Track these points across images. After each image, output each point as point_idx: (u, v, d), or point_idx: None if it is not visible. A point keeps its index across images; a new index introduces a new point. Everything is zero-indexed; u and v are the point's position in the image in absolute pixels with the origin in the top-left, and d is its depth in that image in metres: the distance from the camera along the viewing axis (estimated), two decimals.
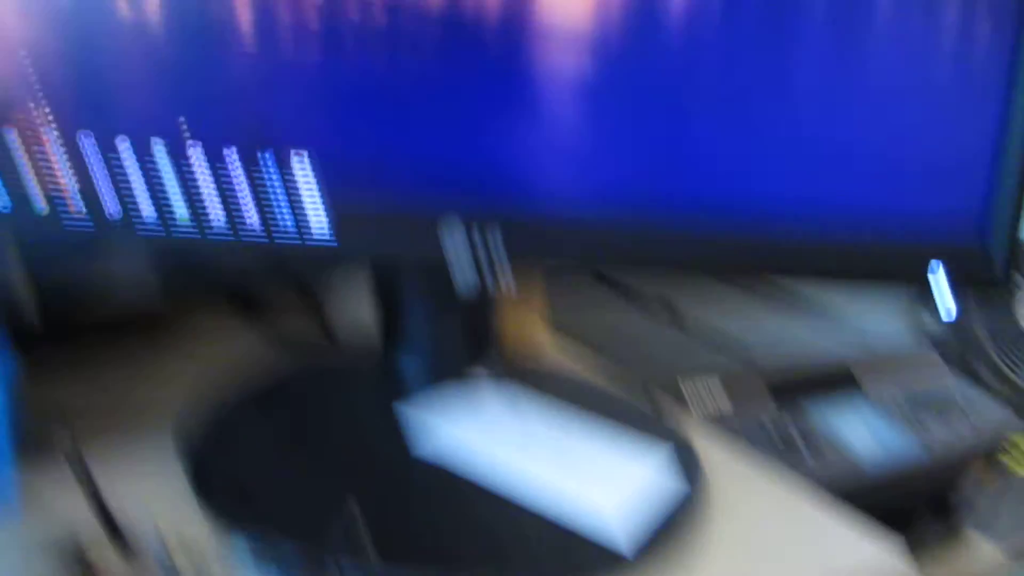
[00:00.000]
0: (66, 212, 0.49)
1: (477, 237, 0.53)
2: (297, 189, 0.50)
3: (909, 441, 0.86)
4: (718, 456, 0.67)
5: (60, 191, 0.48)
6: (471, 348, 0.68)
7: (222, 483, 0.53)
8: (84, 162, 0.48)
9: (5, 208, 0.48)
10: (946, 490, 0.94)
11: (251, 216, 0.51)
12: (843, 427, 0.85)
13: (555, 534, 0.51)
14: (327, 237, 0.52)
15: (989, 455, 0.95)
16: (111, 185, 0.49)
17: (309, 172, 0.50)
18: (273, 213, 0.51)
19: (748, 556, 0.56)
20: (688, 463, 0.62)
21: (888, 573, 0.58)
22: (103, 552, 0.43)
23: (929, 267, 0.55)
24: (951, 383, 1.00)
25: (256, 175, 0.50)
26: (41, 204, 0.48)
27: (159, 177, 0.49)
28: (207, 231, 0.50)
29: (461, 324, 0.67)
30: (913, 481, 0.86)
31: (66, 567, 0.42)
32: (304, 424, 0.62)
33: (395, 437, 0.61)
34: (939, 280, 0.55)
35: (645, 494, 0.56)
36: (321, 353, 0.77)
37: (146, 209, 0.49)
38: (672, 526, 0.55)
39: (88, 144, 0.48)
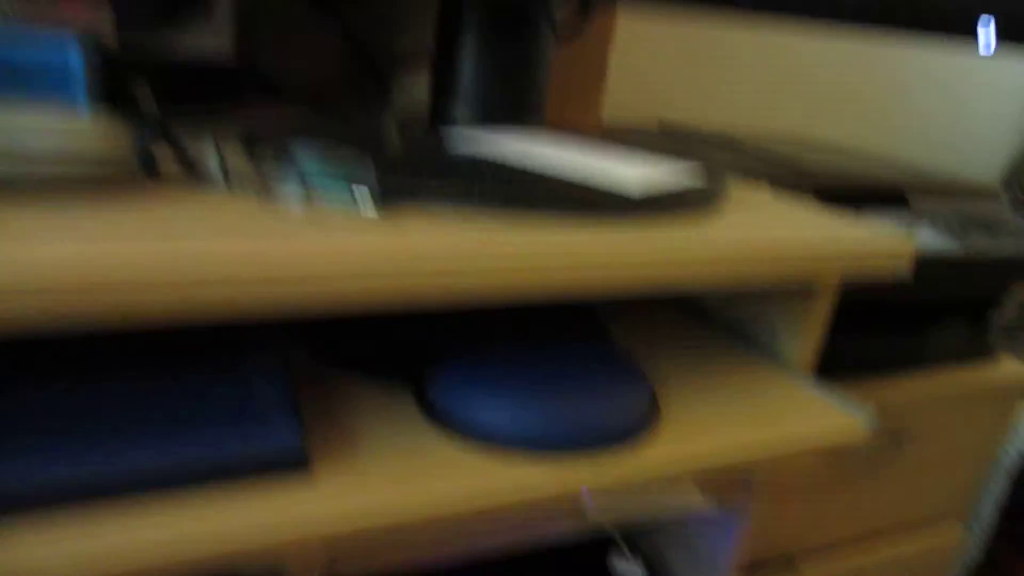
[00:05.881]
0: None
1: None
2: None
3: (950, 243, 0.84)
4: None
5: None
6: (520, 104, 0.73)
7: None
8: None
9: None
10: (984, 304, 0.92)
11: None
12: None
13: (577, 187, 0.51)
14: None
15: None
16: None
17: None
18: None
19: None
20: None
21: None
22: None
23: None
24: (1007, 214, 0.95)
25: None
26: None
27: None
28: None
29: (513, 79, 0.72)
30: (951, 277, 0.85)
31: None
32: None
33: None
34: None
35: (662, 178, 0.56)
36: None
37: None
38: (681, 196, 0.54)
39: None
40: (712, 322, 0.73)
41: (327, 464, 0.43)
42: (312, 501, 0.40)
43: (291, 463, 0.41)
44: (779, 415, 0.56)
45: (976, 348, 0.97)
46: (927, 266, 0.81)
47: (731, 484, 0.67)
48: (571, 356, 0.51)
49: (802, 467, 0.76)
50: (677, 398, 0.57)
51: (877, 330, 0.85)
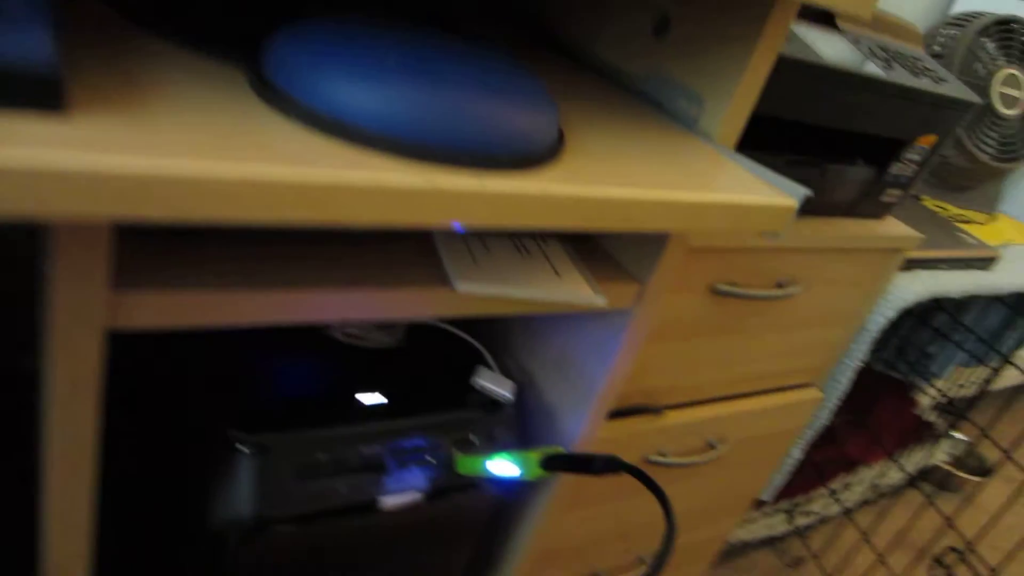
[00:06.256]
0: None
1: None
2: None
3: (873, 68, 0.78)
4: None
5: None
6: None
7: None
8: None
9: None
10: (888, 151, 0.89)
11: None
12: (816, 39, 0.75)
13: None
14: None
15: (940, 134, 0.89)
16: None
17: None
18: None
19: None
20: None
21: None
22: None
23: None
24: (929, 61, 0.90)
25: None
26: None
27: None
28: None
29: None
30: (867, 104, 0.79)
31: None
32: None
33: None
34: None
35: None
36: None
37: None
38: None
39: None
40: (634, 92, 0.63)
41: (97, 109, 0.30)
42: (61, 143, 0.27)
43: (36, 83, 0.27)
44: (701, 176, 0.46)
45: (869, 202, 0.94)
46: (848, 84, 0.74)
47: (623, 284, 0.58)
48: (459, 52, 0.39)
49: (720, 233, 0.68)
50: (587, 139, 0.46)
51: (783, 154, 0.78)
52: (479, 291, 0.50)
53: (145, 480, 0.67)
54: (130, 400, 0.62)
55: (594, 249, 0.62)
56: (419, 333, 0.70)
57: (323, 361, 0.64)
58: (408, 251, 0.52)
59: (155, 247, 0.43)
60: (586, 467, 0.53)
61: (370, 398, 0.61)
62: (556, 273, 0.55)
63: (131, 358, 0.60)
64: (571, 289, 0.54)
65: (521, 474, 0.57)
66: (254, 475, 0.54)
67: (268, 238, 0.47)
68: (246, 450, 0.54)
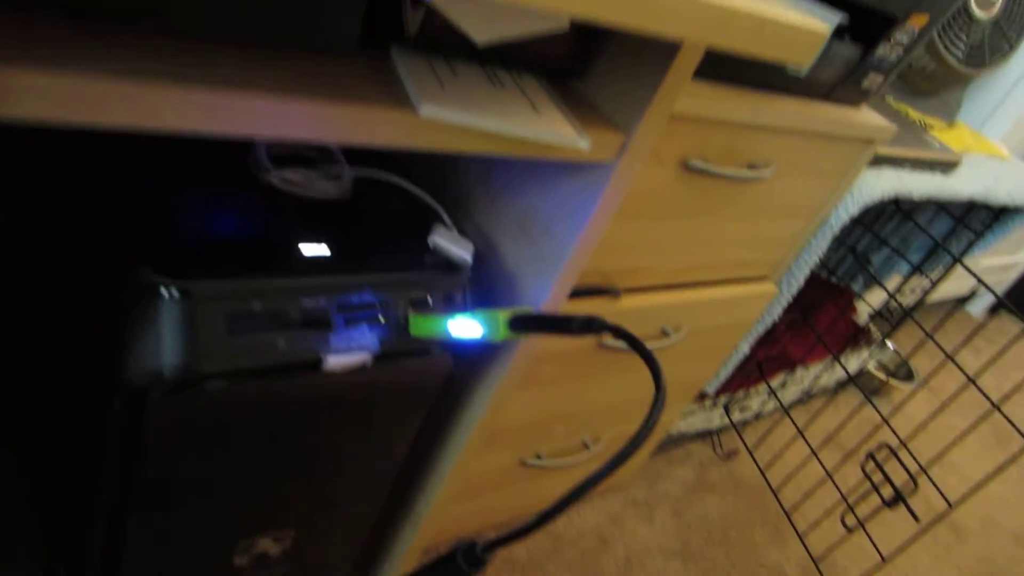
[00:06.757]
0: None
1: None
2: None
3: None
4: None
5: None
6: None
7: None
8: None
9: None
10: (878, 29, 0.83)
11: None
12: None
13: None
14: None
15: (932, 15, 0.84)
16: None
17: None
18: None
19: None
20: None
21: None
22: None
23: None
24: None
25: None
26: None
27: None
28: None
29: None
30: None
31: None
32: None
33: None
34: None
35: None
36: None
37: None
38: None
39: None
40: None
41: None
42: None
43: None
44: None
45: (849, 86, 0.89)
46: None
47: (605, 132, 0.52)
48: None
49: (743, 51, 0.62)
50: None
51: None
52: (447, 117, 0.43)
53: (54, 327, 0.60)
54: (36, 229, 0.54)
55: (571, 92, 0.55)
56: (366, 187, 0.63)
57: (259, 209, 0.57)
58: (362, 68, 0.45)
59: (45, 27, 0.35)
60: (564, 327, 0.48)
61: (313, 249, 0.55)
62: (534, 109, 0.48)
63: (40, 183, 0.52)
64: (551, 127, 0.48)
65: (485, 335, 0.51)
66: (177, 323, 0.47)
67: (194, 34, 0.39)
68: (167, 295, 0.47)
